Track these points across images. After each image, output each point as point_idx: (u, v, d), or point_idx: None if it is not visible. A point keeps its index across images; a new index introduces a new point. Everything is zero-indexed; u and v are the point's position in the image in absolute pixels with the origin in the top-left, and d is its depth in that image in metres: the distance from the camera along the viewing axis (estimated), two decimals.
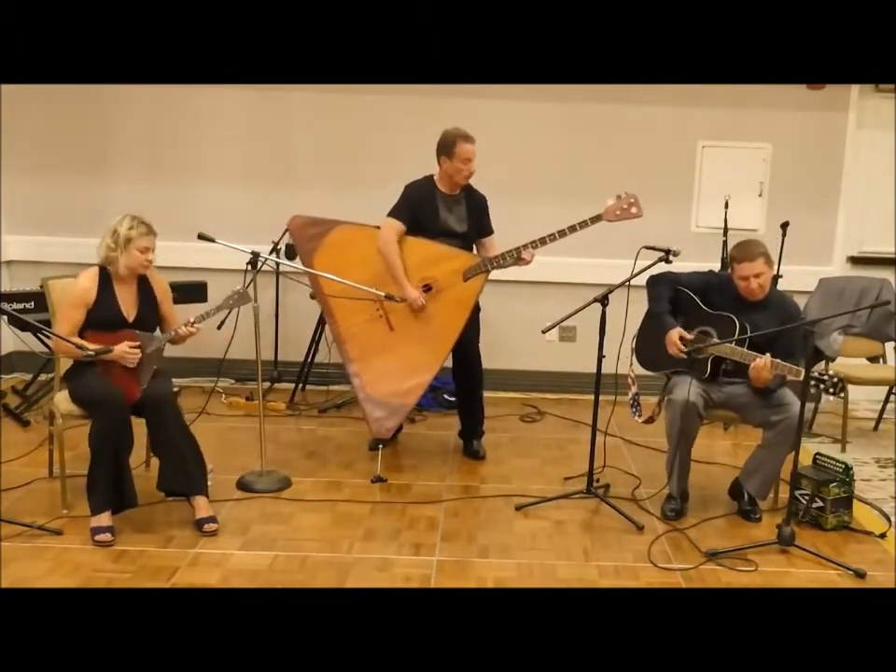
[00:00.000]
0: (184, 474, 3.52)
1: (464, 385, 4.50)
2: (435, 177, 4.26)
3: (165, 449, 3.53)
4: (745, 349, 3.56)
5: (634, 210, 4.06)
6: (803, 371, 3.38)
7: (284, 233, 4.75)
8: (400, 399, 4.20)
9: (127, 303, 3.61)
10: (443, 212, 4.23)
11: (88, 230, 5.56)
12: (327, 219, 4.36)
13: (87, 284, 3.57)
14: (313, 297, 4.52)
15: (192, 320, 3.63)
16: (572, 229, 4.03)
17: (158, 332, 3.70)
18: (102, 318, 3.55)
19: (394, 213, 4.22)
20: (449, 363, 4.42)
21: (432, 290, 4.19)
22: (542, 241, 4.08)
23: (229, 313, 3.75)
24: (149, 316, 3.67)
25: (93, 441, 3.41)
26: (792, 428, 3.55)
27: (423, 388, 4.24)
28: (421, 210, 4.20)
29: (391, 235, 4.18)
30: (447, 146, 4.14)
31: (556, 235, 4.06)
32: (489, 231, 4.36)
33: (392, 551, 3.41)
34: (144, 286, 3.66)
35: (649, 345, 3.92)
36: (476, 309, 4.33)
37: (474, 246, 4.36)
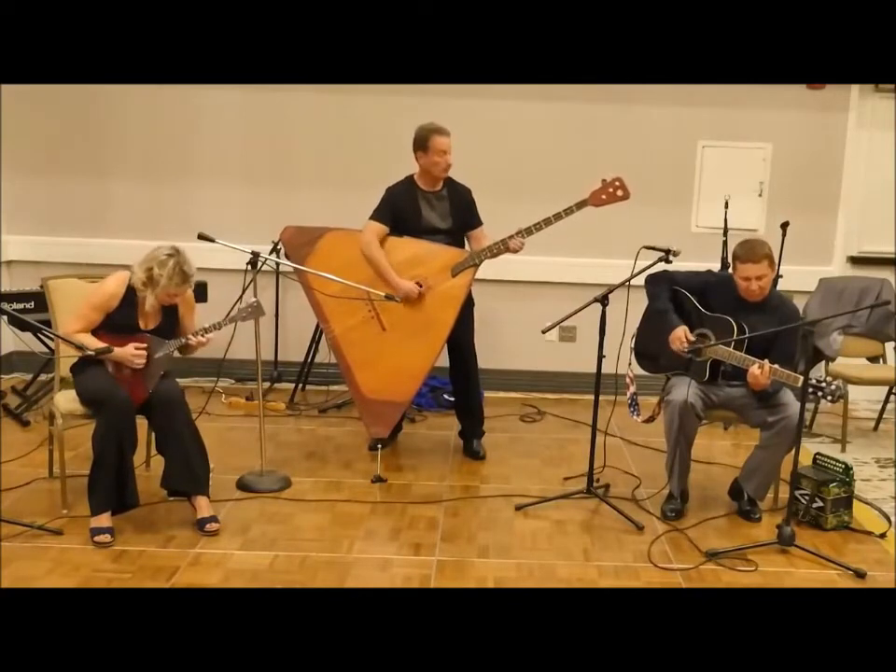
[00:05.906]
0: (189, 474, 3.51)
1: (462, 385, 4.49)
2: (415, 176, 4.27)
3: (172, 448, 3.51)
4: (743, 353, 3.53)
5: (620, 193, 3.98)
6: (801, 379, 3.33)
7: None
8: (396, 397, 4.21)
9: (148, 317, 3.54)
10: (426, 209, 4.24)
11: (88, 230, 5.61)
12: (317, 227, 4.39)
13: (115, 290, 3.48)
14: None
15: (205, 327, 3.56)
16: (557, 216, 4.00)
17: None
18: (117, 325, 3.49)
19: (375, 215, 4.24)
20: (446, 364, 4.42)
21: (422, 288, 4.19)
22: (528, 230, 4.07)
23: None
24: (167, 329, 3.59)
25: (97, 441, 3.38)
26: (790, 429, 3.55)
27: (417, 386, 4.26)
28: (403, 209, 4.21)
29: (371, 237, 4.20)
30: (421, 140, 4.14)
31: (542, 224, 4.03)
32: (477, 223, 4.33)
33: (392, 551, 3.41)
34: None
35: (648, 346, 3.91)
36: (469, 304, 4.32)
37: (465, 240, 4.33)
